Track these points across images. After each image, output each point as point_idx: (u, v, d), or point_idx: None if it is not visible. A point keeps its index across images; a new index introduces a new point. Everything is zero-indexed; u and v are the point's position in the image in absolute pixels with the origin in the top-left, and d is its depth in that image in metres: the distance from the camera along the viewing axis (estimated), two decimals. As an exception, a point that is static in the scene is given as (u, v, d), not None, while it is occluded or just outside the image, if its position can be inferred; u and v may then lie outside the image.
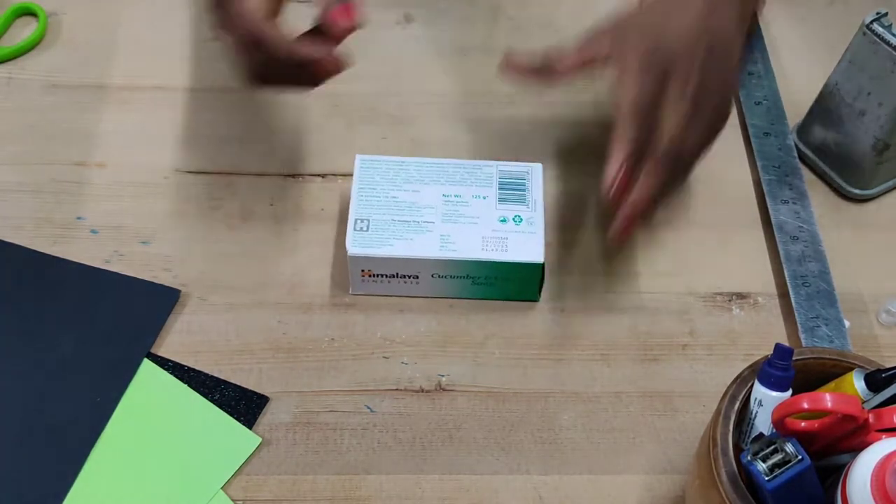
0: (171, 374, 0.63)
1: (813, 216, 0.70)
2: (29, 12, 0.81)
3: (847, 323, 0.66)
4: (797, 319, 0.65)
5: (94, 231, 0.69)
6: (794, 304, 0.66)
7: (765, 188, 0.72)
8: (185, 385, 0.62)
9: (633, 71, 0.60)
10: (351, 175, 0.67)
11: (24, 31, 0.80)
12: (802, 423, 0.48)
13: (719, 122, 0.62)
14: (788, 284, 0.67)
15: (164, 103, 0.76)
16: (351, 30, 0.58)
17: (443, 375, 0.64)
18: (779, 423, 0.48)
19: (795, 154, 0.74)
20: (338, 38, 0.59)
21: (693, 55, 0.60)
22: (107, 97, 0.76)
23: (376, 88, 0.78)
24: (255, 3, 0.57)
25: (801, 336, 0.64)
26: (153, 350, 0.64)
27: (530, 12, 0.84)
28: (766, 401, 0.50)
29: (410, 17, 0.81)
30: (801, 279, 0.67)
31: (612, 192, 0.59)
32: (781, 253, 0.68)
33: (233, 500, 0.58)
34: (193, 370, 0.63)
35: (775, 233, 0.69)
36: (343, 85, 0.77)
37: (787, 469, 0.46)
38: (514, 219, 0.64)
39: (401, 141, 0.75)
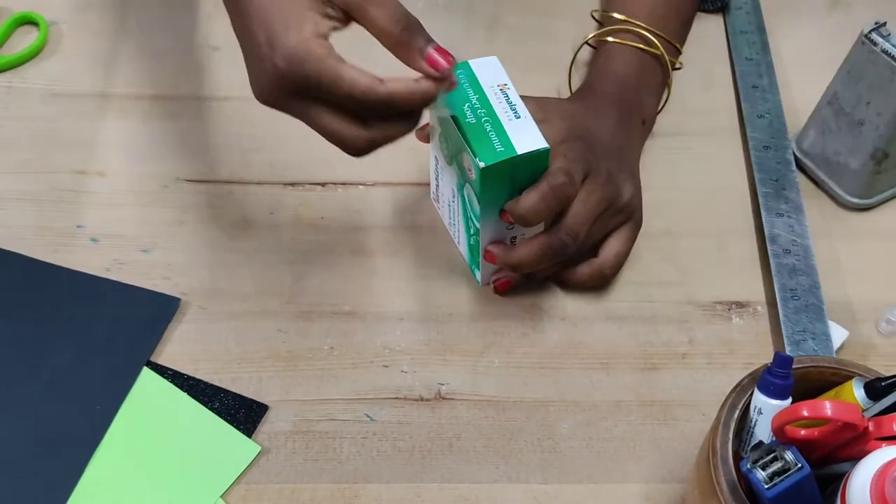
0: (170, 382, 0.63)
1: (807, 230, 0.70)
2: (30, 21, 0.81)
3: (846, 332, 0.66)
4: (783, 332, 0.65)
5: (94, 239, 0.69)
6: (781, 316, 0.66)
7: (760, 201, 0.72)
8: (185, 393, 0.62)
9: (562, 151, 0.62)
10: (351, 184, 0.67)
11: (24, 40, 0.80)
12: (802, 432, 0.48)
13: (631, 232, 0.67)
14: (777, 297, 0.67)
15: (163, 112, 0.77)
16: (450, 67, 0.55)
17: (442, 384, 0.64)
18: (778, 431, 0.48)
19: (794, 168, 0.74)
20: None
21: (608, 164, 0.65)
22: (107, 106, 0.77)
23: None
24: (360, 73, 0.52)
25: (787, 349, 0.64)
26: (153, 358, 0.64)
27: (529, 22, 0.84)
28: (766, 409, 0.50)
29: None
30: (791, 292, 0.67)
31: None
32: (773, 265, 0.68)
33: (232, 508, 0.58)
34: (193, 378, 0.63)
35: (767, 245, 0.69)
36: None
37: (787, 477, 0.46)
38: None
39: (400, 149, 0.75)
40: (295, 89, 0.53)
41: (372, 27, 0.54)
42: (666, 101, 0.76)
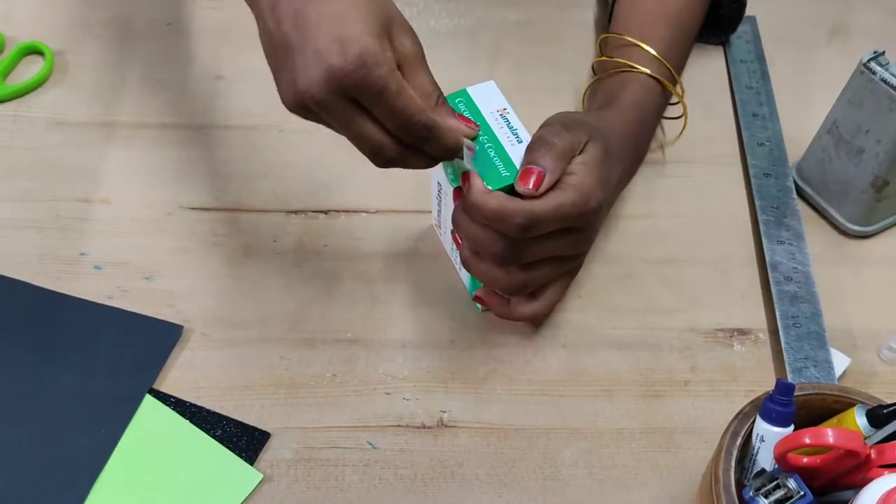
0: (173, 409, 0.63)
1: (808, 258, 0.71)
2: (36, 51, 0.82)
3: (848, 359, 0.66)
4: (785, 359, 0.65)
5: (97, 267, 0.69)
6: (783, 343, 0.66)
7: (761, 228, 0.72)
8: (187, 421, 0.62)
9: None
10: (354, 212, 0.67)
11: (30, 70, 0.81)
12: (804, 459, 0.48)
13: (570, 280, 0.67)
14: (779, 324, 0.67)
15: (167, 140, 0.77)
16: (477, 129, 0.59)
17: (445, 412, 0.64)
18: (781, 458, 0.48)
19: (795, 196, 0.74)
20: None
21: (598, 224, 0.64)
22: (111, 134, 0.77)
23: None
24: (419, 93, 0.55)
25: (789, 376, 0.64)
26: (155, 386, 0.64)
27: (532, 50, 0.85)
28: (768, 436, 0.50)
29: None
30: (793, 319, 0.67)
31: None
32: (774, 293, 0.68)
33: (234, 536, 0.58)
34: (195, 406, 0.63)
35: (769, 273, 0.70)
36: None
37: (790, 505, 0.46)
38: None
39: (402, 177, 0.75)
40: (352, 91, 0.52)
41: (416, 86, 0.55)
42: (682, 130, 0.77)
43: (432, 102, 0.56)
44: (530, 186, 0.57)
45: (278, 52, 0.54)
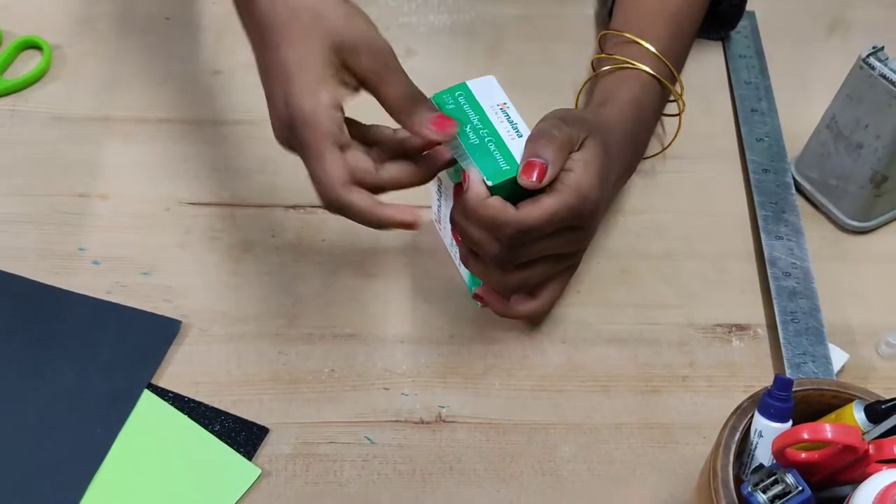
0: (171, 405, 0.63)
1: (807, 253, 0.71)
2: (34, 46, 0.81)
3: (846, 355, 0.66)
4: (784, 355, 0.65)
5: (95, 262, 0.69)
6: (781, 339, 0.66)
7: (760, 224, 0.72)
8: (186, 416, 0.62)
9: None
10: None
11: (28, 64, 0.81)
12: (803, 454, 0.48)
13: (569, 277, 0.66)
14: (777, 320, 0.67)
15: (166, 135, 0.77)
16: (449, 138, 0.59)
17: (443, 407, 0.64)
18: (779, 453, 0.48)
19: (793, 191, 0.74)
20: (425, 148, 0.60)
21: (596, 223, 0.64)
22: (110, 129, 0.77)
23: (377, 122, 0.78)
24: (335, 170, 0.55)
25: (788, 372, 0.64)
26: (154, 381, 0.64)
27: (530, 46, 0.85)
28: (767, 432, 0.50)
29: (412, 51, 0.82)
30: (791, 315, 0.67)
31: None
32: (773, 288, 0.68)
33: (232, 531, 0.58)
34: (194, 401, 0.63)
35: (767, 268, 0.70)
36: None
37: (788, 500, 0.46)
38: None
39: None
40: (301, 143, 0.56)
41: (385, 98, 0.57)
42: (676, 134, 0.77)
43: (407, 110, 0.57)
44: (534, 179, 0.57)
45: (265, 92, 0.59)
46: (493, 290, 0.64)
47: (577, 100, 0.78)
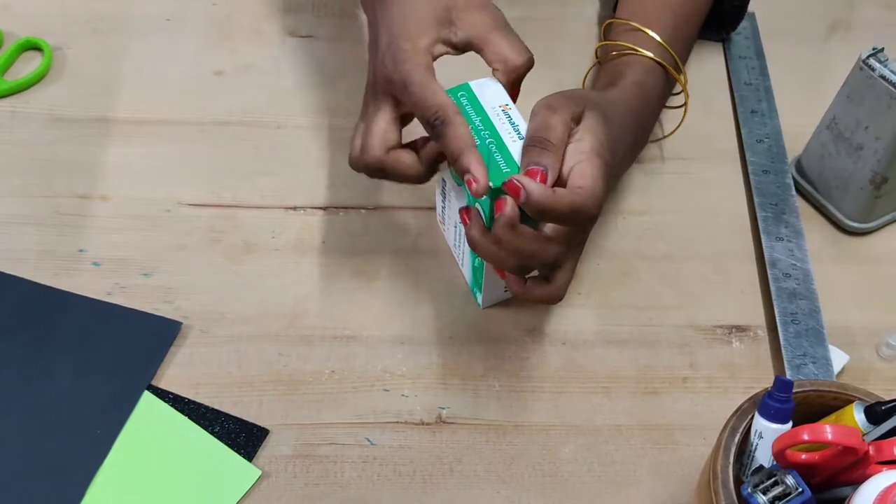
0: (171, 406, 0.63)
1: (807, 254, 0.71)
2: (34, 47, 0.81)
3: (846, 356, 0.66)
4: (784, 356, 0.65)
5: (96, 263, 0.69)
6: (781, 340, 0.66)
7: (760, 225, 0.72)
8: (186, 417, 0.62)
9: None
10: (352, 208, 0.67)
11: (28, 66, 0.81)
12: (803, 456, 0.48)
13: (577, 259, 0.64)
14: (777, 321, 0.67)
15: (167, 137, 0.77)
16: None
17: (443, 408, 0.64)
18: (779, 455, 0.48)
19: (794, 192, 0.74)
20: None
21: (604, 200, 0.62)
22: (110, 131, 0.77)
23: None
24: (440, 94, 0.59)
25: (788, 373, 0.64)
26: (154, 382, 0.64)
27: (533, 46, 0.84)
28: (767, 433, 0.50)
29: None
30: (791, 316, 0.67)
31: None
32: (773, 289, 0.68)
33: (232, 533, 0.58)
34: (194, 402, 0.63)
35: (768, 269, 0.70)
36: (344, 119, 0.78)
37: (788, 502, 0.46)
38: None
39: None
40: (392, 89, 0.60)
41: (490, 55, 0.62)
42: (682, 121, 0.76)
43: (513, 67, 0.61)
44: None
45: (369, 48, 0.64)
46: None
47: (584, 86, 0.78)
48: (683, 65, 0.76)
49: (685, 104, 0.75)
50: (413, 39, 0.60)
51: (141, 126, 0.78)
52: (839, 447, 0.46)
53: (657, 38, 0.72)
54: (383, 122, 0.61)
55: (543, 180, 0.57)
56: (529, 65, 0.61)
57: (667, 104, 0.76)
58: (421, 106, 0.59)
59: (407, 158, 0.62)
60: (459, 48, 0.62)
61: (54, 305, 0.67)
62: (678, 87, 0.75)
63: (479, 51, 0.61)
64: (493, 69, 0.61)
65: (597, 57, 0.77)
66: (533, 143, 0.58)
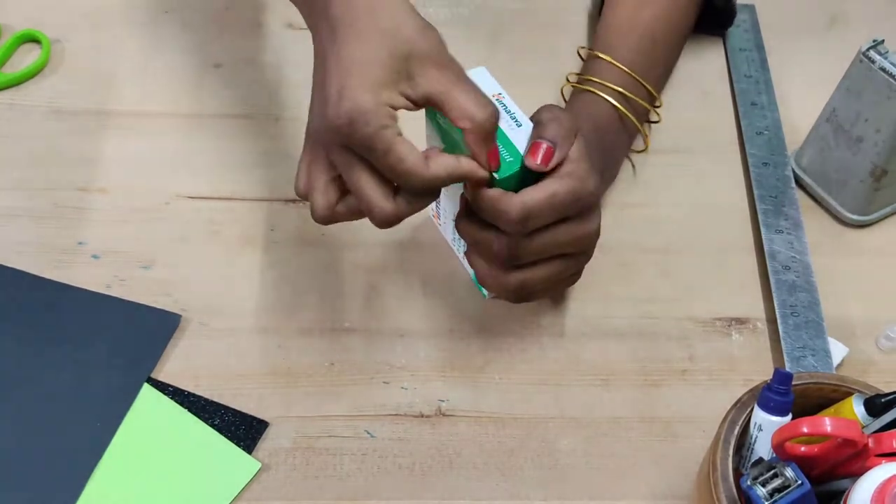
0: (171, 398, 0.63)
1: (807, 247, 0.71)
2: (33, 39, 0.81)
3: (845, 349, 0.66)
4: (783, 348, 0.65)
5: (95, 256, 0.69)
6: (781, 333, 0.66)
7: (760, 217, 0.72)
8: (185, 410, 0.62)
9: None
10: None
11: (27, 58, 0.80)
12: (802, 448, 0.48)
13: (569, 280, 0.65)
14: (777, 313, 0.67)
15: (165, 129, 0.77)
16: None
17: (443, 401, 0.64)
18: (778, 447, 0.48)
19: (793, 184, 0.74)
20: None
21: (596, 224, 0.62)
22: (109, 123, 0.77)
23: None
24: (411, 153, 0.53)
25: (787, 365, 0.64)
26: (153, 375, 0.64)
27: (531, 38, 0.85)
28: (766, 425, 0.50)
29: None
30: (791, 309, 0.67)
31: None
32: (772, 282, 0.68)
33: (232, 525, 0.58)
34: (193, 395, 0.63)
35: (767, 262, 0.70)
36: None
37: (787, 494, 0.46)
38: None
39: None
40: (346, 143, 0.54)
41: (455, 112, 0.54)
42: (645, 149, 0.76)
43: (480, 123, 0.54)
44: (539, 161, 0.57)
45: (313, 85, 0.57)
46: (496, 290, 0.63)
47: (562, 95, 0.77)
48: (658, 85, 0.75)
49: (645, 133, 0.75)
50: (373, 91, 0.53)
51: (140, 119, 0.77)
52: (838, 439, 0.46)
53: (617, 64, 0.72)
54: (321, 183, 0.57)
55: (549, 156, 0.57)
56: (496, 118, 0.55)
57: (648, 119, 0.76)
58: (391, 173, 0.54)
59: (355, 205, 0.57)
60: (419, 104, 0.55)
61: (53, 298, 0.67)
62: (654, 110, 0.75)
63: (440, 107, 0.55)
64: (461, 128, 0.55)
65: (567, 81, 0.77)
66: (546, 121, 0.58)
